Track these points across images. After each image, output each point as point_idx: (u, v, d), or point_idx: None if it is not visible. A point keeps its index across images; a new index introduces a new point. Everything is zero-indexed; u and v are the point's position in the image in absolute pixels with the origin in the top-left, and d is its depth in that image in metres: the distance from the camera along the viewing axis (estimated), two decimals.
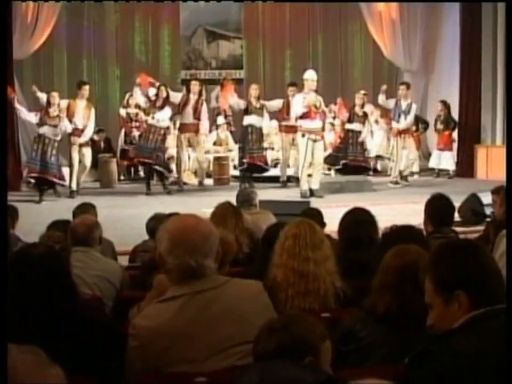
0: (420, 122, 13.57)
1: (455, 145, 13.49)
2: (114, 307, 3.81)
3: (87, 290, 3.67)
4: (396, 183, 12.11)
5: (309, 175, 10.84)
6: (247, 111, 11.88)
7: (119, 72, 15.40)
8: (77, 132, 11.19)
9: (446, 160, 13.27)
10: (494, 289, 2.00)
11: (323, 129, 11.42)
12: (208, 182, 12.57)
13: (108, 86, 14.98)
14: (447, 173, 13.34)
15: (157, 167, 11.57)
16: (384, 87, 12.26)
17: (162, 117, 11.49)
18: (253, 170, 12.02)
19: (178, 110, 11.92)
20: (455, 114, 13.54)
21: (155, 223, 5.49)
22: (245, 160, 11.73)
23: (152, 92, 12.64)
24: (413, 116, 12.21)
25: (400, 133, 12.02)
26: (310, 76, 10.73)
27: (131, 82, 15.22)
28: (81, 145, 11.29)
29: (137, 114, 13.13)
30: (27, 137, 12.46)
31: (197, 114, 11.85)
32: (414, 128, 12.87)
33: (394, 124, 12.13)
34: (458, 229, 6.41)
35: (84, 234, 3.97)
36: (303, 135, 10.58)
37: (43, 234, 4.22)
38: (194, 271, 2.39)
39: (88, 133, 11.53)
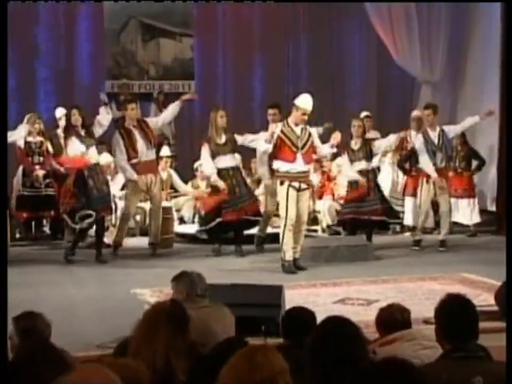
0: (474, 157, 13.62)
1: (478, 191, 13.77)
2: None
3: None
4: (417, 244, 12.13)
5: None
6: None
7: (15, 83, 15.29)
8: None
9: (463, 210, 13.38)
10: None
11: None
12: (138, 242, 12.48)
13: None
14: (468, 229, 13.53)
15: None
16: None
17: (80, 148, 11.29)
18: (233, 228, 11.93)
19: (128, 154, 11.53)
20: (493, 144, 13.69)
21: (27, 322, 5.30)
22: (219, 220, 11.55)
23: (60, 111, 12.49)
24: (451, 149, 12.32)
25: (429, 176, 12.04)
26: (304, 104, 10.43)
27: (33, 98, 15.23)
28: None
29: (41, 144, 12.98)
30: None
31: (154, 141, 11.78)
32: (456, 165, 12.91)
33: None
34: (496, 324, 6.38)
35: None
36: (282, 183, 10.56)
37: None
38: None
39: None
